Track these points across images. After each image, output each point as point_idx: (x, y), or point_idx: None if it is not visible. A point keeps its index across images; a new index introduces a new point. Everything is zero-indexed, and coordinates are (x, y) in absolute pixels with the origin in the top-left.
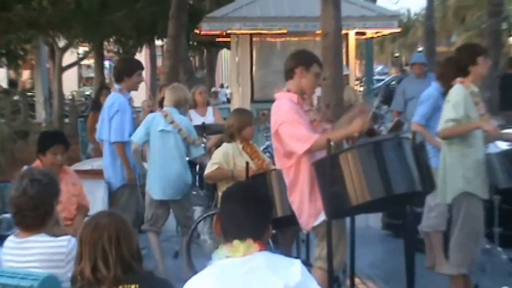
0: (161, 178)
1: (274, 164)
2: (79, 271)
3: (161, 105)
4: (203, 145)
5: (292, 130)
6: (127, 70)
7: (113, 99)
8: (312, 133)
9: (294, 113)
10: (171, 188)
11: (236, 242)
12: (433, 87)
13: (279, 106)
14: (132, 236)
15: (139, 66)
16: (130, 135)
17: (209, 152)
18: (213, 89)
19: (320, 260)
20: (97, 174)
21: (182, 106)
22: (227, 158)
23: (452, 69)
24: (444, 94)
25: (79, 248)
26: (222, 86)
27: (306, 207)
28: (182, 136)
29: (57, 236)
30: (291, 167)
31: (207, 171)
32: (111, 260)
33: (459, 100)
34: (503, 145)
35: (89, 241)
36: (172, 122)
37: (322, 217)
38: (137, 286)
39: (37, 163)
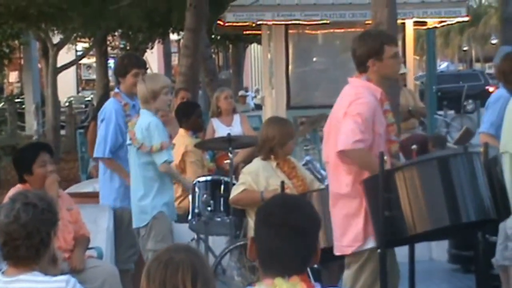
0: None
1: (320, 182)
2: None
3: (176, 114)
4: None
5: (355, 123)
6: (120, 69)
7: (104, 106)
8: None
9: (373, 109)
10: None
11: (278, 280)
12: (503, 89)
13: (361, 95)
14: (211, 279)
15: (135, 63)
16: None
17: (235, 170)
18: (240, 93)
19: None
20: (96, 198)
21: (146, 103)
22: (257, 178)
23: None
24: None
25: (145, 286)
26: (246, 89)
27: (356, 225)
28: (136, 146)
29: (53, 275)
30: (351, 174)
31: (232, 193)
32: None
33: None
34: None
35: (159, 279)
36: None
37: (369, 244)
38: None
39: (18, 188)
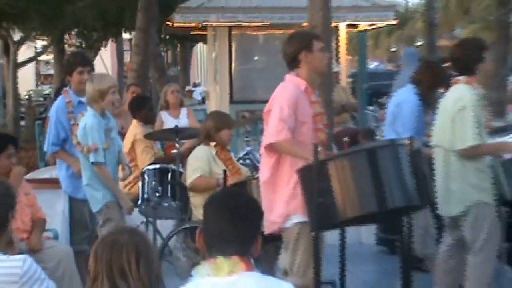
0: None
1: (251, 172)
2: None
3: (130, 107)
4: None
5: (277, 115)
6: (67, 67)
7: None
8: (301, 130)
9: (295, 100)
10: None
11: (220, 259)
12: (411, 90)
13: (283, 88)
14: (153, 257)
15: (79, 62)
16: (57, 143)
17: (182, 159)
18: (187, 88)
19: (294, 275)
20: (56, 183)
21: (94, 102)
22: (203, 162)
23: (432, 75)
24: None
25: (93, 266)
26: (195, 84)
27: (279, 204)
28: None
29: (11, 255)
30: (272, 157)
31: (189, 179)
32: (133, 282)
33: (474, 103)
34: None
35: (106, 259)
36: None
37: (295, 219)
38: None
39: None
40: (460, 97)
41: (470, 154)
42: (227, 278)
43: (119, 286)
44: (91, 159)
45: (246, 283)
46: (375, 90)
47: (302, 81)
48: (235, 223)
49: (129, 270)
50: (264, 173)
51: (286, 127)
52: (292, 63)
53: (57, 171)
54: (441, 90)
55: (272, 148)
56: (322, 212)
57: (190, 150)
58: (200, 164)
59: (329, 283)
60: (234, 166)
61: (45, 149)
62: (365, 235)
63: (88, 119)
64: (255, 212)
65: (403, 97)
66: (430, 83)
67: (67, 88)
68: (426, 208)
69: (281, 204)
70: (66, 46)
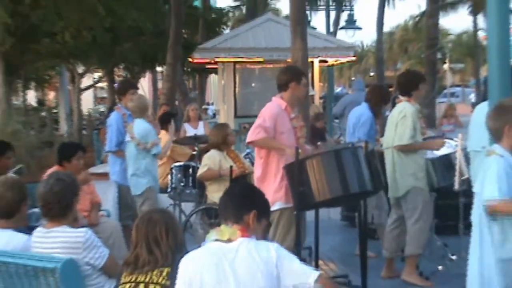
0: None
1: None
2: (135, 255)
3: (160, 120)
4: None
5: (258, 122)
6: (121, 90)
7: (110, 116)
8: (284, 138)
9: (275, 115)
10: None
11: (223, 227)
12: (366, 107)
13: (269, 106)
14: (178, 230)
15: (130, 86)
16: (117, 144)
17: (199, 158)
18: (203, 107)
19: (280, 242)
20: (107, 176)
21: (137, 113)
22: (214, 160)
23: (378, 95)
24: (373, 112)
25: (135, 236)
26: (208, 104)
27: (268, 194)
28: (134, 142)
29: (76, 228)
30: (261, 158)
31: (199, 172)
32: (163, 247)
33: (413, 115)
34: (437, 152)
35: (144, 231)
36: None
37: (277, 206)
38: (163, 270)
39: (54, 168)
40: (402, 109)
41: (405, 149)
42: (228, 244)
43: (153, 250)
44: (154, 151)
45: (242, 246)
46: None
47: (283, 102)
48: (230, 200)
49: (160, 239)
50: (257, 171)
51: (263, 130)
52: (281, 87)
53: (109, 167)
54: (386, 107)
55: (252, 144)
56: (302, 198)
57: (205, 151)
58: (208, 161)
59: (307, 248)
60: (240, 162)
61: (106, 149)
62: (333, 213)
63: (143, 125)
64: (245, 193)
65: (361, 112)
66: (377, 101)
67: (119, 105)
68: (382, 192)
69: (270, 194)
70: (115, 76)
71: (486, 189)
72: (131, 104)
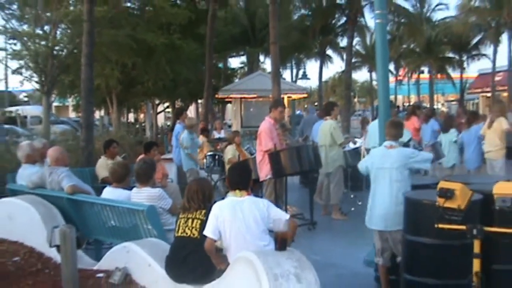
0: None
1: (251, 155)
2: (183, 204)
3: (201, 130)
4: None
5: (266, 136)
6: (178, 112)
7: (175, 128)
8: (272, 141)
9: (269, 128)
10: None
11: (237, 191)
12: (319, 121)
13: (265, 123)
14: (209, 189)
15: (183, 110)
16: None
17: (222, 150)
18: (224, 121)
19: (266, 197)
20: (171, 160)
21: (189, 127)
22: (231, 151)
23: (323, 112)
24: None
25: (186, 194)
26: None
27: (262, 170)
28: (181, 145)
29: (154, 188)
30: (261, 151)
31: (226, 158)
32: (199, 199)
33: (337, 127)
34: (351, 146)
35: (191, 191)
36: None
37: (268, 176)
38: (203, 211)
39: (142, 156)
40: (331, 123)
41: (341, 144)
42: (239, 198)
43: (196, 200)
44: (187, 151)
45: (248, 200)
46: (297, 122)
47: (272, 120)
48: (238, 173)
49: (200, 194)
50: (258, 158)
51: (270, 141)
52: (270, 111)
53: (172, 155)
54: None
55: (266, 151)
56: (278, 171)
57: (226, 146)
58: (229, 154)
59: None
60: (243, 153)
61: (184, 146)
62: (295, 179)
63: (186, 135)
64: (247, 173)
65: (318, 124)
66: (323, 115)
67: (178, 121)
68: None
69: (263, 170)
70: (176, 105)
71: (418, 160)
72: (187, 122)
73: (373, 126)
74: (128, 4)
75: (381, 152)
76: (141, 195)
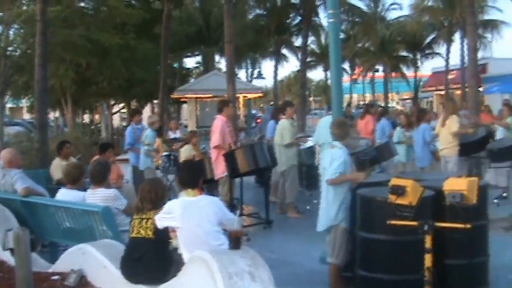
0: None
1: (206, 155)
2: (136, 204)
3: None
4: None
5: (217, 133)
6: (132, 114)
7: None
8: (224, 138)
9: (221, 126)
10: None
11: (188, 190)
12: (273, 121)
13: (217, 121)
14: (162, 190)
15: (138, 112)
16: (129, 144)
17: (178, 149)
18: (180, 122)
19: (223, 196)
20: (127, 161)
21: (153, 125)
22: (190, 152)
23: (278, 111)
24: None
25: (140, 193)
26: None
27: (218, 168)
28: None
29: (109, 189)
30: (214, 150)
31: (182, 158)
32: (152, 200)
33: (288, 127)
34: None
35: (144, 190)
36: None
37: (224, 174)
38: (157, 211)
39: (97, 157)
40: (284, 122)
41: (289, 145)
42: (193, 198)
43: (149, 201)
44: (147, 148)
45: (203, 198)
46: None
47: (224, 117)
48: (187, 172)
49: (153, 195)
50: (213, 156)
51: (221, 138)
52: (220, 110)
53: (128, 156)
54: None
55: (217, 147)
56: (233, 170)
57: (181, 146)
58: (185, 153)
59: (236, 198)
60: (199, 152)
61: (126, 147)
62: (251, 179)
63: (150, 132)
64: (197, 172)
65: (272, 123)
66: (276, 116)
67: (132, 122)
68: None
69: (219, 168)
70: (131, 106)
71: (331, 167)
72: (148, 119)
73: (324, 121)
74: (82, 4)
75: (327, 153)
76: (96, 196)
